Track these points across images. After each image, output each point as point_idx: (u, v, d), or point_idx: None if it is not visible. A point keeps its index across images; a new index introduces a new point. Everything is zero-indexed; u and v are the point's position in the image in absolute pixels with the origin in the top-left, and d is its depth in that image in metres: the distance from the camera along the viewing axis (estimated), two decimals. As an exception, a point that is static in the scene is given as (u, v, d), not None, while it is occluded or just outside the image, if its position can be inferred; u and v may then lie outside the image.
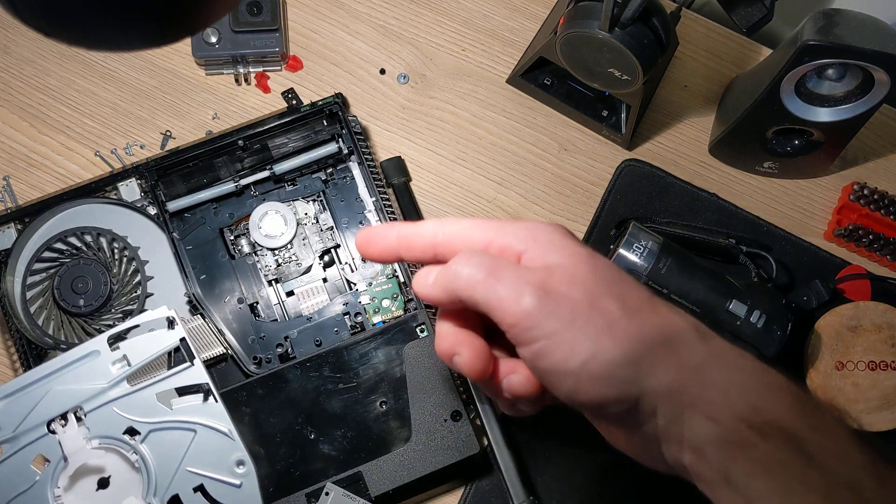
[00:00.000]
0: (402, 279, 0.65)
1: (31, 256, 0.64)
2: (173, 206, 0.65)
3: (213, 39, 0.70)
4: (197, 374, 0.47)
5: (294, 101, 0.70)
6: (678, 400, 0.38)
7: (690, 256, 0.64)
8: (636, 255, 0.63)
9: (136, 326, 0.48)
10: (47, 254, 0.64)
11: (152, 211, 0.65)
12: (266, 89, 0.72)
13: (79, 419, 0.45)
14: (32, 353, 0.62)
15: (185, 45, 0.72)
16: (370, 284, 0.66)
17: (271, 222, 0.66)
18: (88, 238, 0.65)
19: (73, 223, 0.65)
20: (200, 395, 0.46)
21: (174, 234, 0.65)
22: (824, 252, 0.71)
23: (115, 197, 0.65)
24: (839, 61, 0.59)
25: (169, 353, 0.48)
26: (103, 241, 0.65)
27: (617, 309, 0.37)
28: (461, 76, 0.74)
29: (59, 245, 0.64)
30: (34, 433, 0.44)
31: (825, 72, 0.63)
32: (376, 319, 0.64)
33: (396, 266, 0.66)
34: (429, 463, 0.60)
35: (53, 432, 0.44)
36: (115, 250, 0.65)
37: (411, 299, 0.65)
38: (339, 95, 0.68)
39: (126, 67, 0.73)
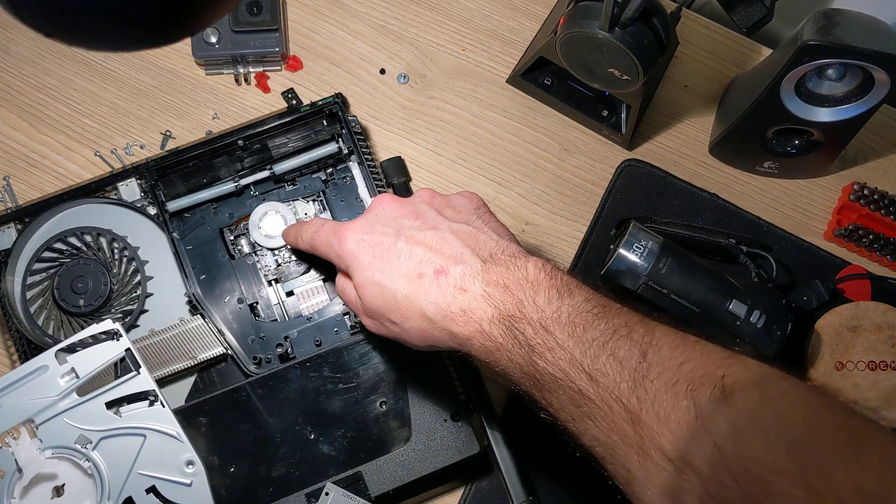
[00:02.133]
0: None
1: (31, 256, 0.64)
2: (173, 206, 0.65)
3: (213, 39, 0.70)
4: (143, 381, 0.49)
5: (294, 101, 0.70)
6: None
7: (690, 256, 0.64)
8: (636, 254, 0.63)
9: (84, 339, 0.51)
10: (47, 254, 0.64)
11: (152, 211, 0.65)
12: (266, 89, 0.72)
13: (31, 431, 0.47)
14: (32, 353, 0.62)
15: (185, 45, 0.72)
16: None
17: (271, 222, 0.66)
18: (88, 238, 0.65)
19: (73, 223, 0.65)
20: (147, 402, 0.49)
21: (174, 234, 0.65)
22: (824, 252, 0.71)
23: (115, 197, 0.65)
24: (839, 61, 0.59)
25: (115, 364, 0.50)
26: (103, 241, 0.65)
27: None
28: (461, 76, 0.74)
29: (59, 245, 0.64)
30: None
31: (825, 72, 0.63)
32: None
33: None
34: (429, 463, 0.60)
35: (7, 445, 0.45)
36: (115, 250, 0.65)
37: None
38: (339, 95, 0.68)
39: (126, 67, 0.73)
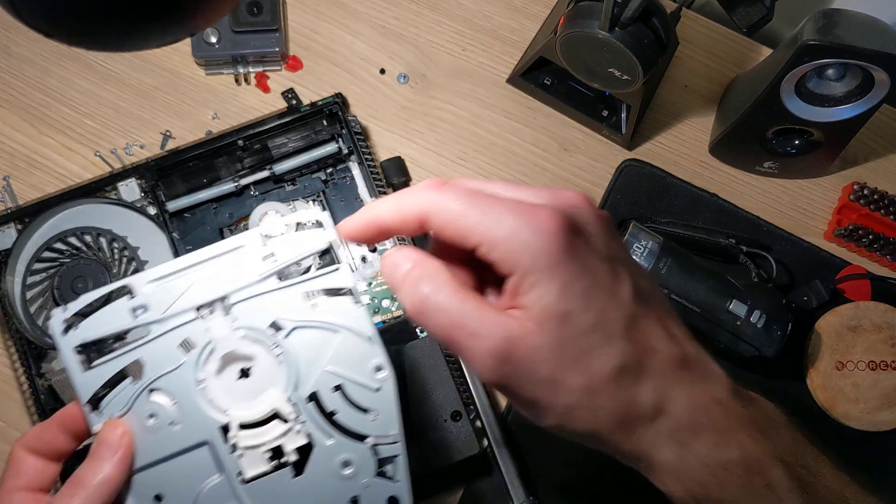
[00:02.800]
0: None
1: (31, 256, 0.64)
2: (173, 206, 0.65)
3: (213, 39, 0.70)
4: (344, 277, 0.46)
5: (294, 101, 0.70)
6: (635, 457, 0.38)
7: (690, 256, 0.64)
8: (636, 255, 0.63)
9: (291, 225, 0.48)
10: (47, 254, 0.64)
11: (152, 211, 0.65)
12: (266, 89, 0.72)
13: (226, 308, 0.44)
14: (32, 353, 0.62)
15: (185, 45, 0.72)
16: (370, 284, 0.66)
17: (271, 222, 0.66)
18: (88, 238, 0.65)
19: (73, 223, 0.65)
20: (346, 298, 0.45)
21: (174, 234, 0.65)
22: (824, 252, 0.71)
23: (114, 197, 0.65)
24: (839, 61, 0.59)
25: (317, 255, 0.47)
26: (103, 241, 0.65)
27: (580, 390, 0.36)
28: (461, 76, 0.74)
29: (59, 245, 0.64)
30: (182, 317, 0.43)
31: (825, 72, 0.63)
32: (376, 319, 0.64)
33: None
34: (429, 463, 0.60)
35: (201, 318, 0.43)
36: (115, 250, 0.65)
37: (411, 299, 0.65)
38: (339, 95, 0.68)
39: (126, 67, 0.73)
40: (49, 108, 0.71)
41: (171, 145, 0.70)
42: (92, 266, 0.63)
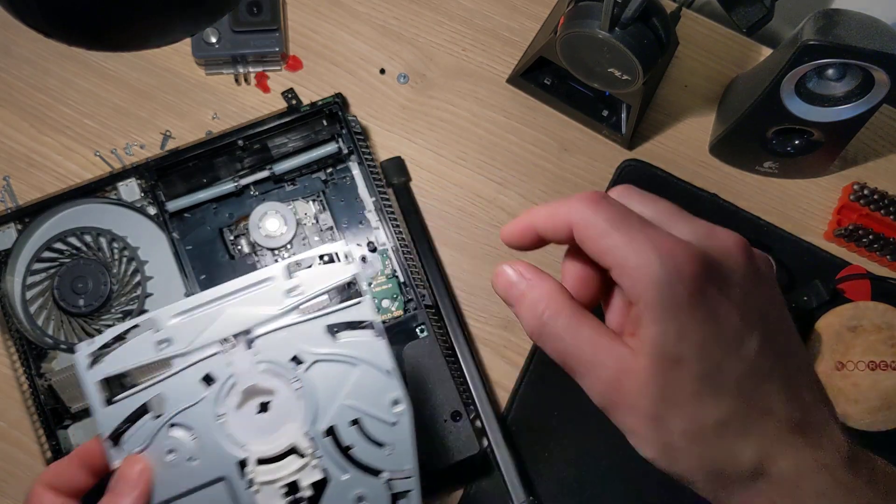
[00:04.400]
0: (401, 279, 0.65)
1: (31, 256, 0.64)
2: (173, 206, 0.65)
3: (213, 39, 0.70)
4: (366, 310, 0.46)
5: (294, 101, 0.70)
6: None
7: (690, 256, 0.64)
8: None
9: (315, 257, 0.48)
10: (47, 254, 0.64)
11: (152, 211, 0.65)
12: (266, 89, 0.72)
13: (248, 342, 0.45)
14: (32, 353, 0.62)
15: (185, 45, 0.72)
16: (370, 284, 0.66)
17: (271, 222, 0.66)
18: (88, 238, 0.65)
19: (73, 223, 0.65)
20: (367, 332, 0.46)
21: (174, 234, 0.65)
22: (824, 252, 0.71)
23: (114, 197, 0.65)
24: (839, 61, 0.59)
25: (341, 287, 0.48)
26: (103, 241, 0.65)
27: (679, 433, 0.36)
28: (461, 76, 0.74)
29: (59, 245, 0.64)
30: (205, 351, 0.44)
31: (825, 72, 0.63)
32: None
33: (396, 266, 0.66)
34: (428, 463, 0.60)
35: (223, 352, 0.44)
36: (115, 250, 0.65)
37: (411, 300, 0.65)
38: (338, 95, 0.69)
39: (126, 67, 0.73)
40: (49, 108, 0.71)
41: (171, 145, 0.70)
42: (92, 266, 0.63)
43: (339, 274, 0.47)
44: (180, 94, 0.72)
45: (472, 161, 0.72)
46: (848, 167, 0.73)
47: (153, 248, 0.65)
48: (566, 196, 0.38)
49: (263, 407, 0.44)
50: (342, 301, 0.46)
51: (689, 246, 0.35)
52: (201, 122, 0.72)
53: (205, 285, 0.64)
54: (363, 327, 0.46)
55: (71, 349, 0.61)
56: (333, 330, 0.46)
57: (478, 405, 0.63)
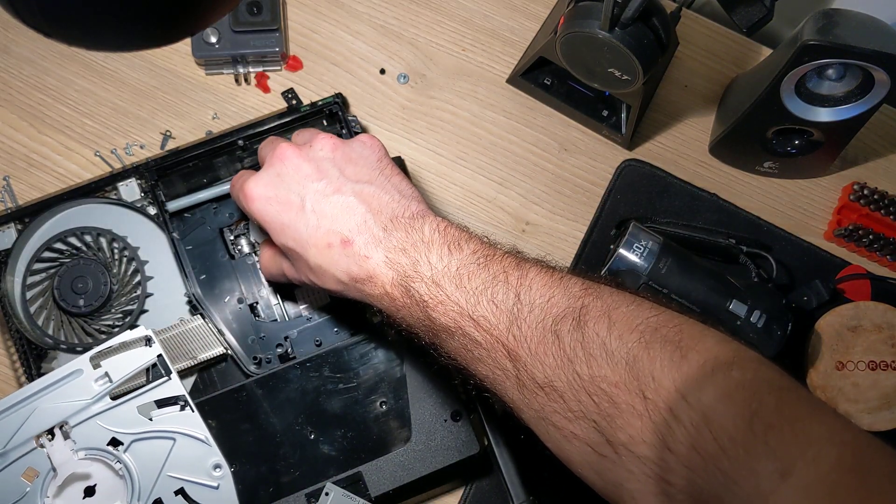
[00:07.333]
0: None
1: (31, 256, 0.64)
2: (173, 206, 0.65)
3: (213, 39, 0.70)
4: (174, 387, 0.51)
5: (294, 101, 0.70)
6: None
7: (691, 256, 0.64)
8: (636, 255, 0.63)
9: (118, 345, 0.54)
10: (47, 254, 0.64)
11: (152, 211, 0.65)
12: (266, 89, 0.72)
13: (65, 433, 0.49)
14: (32, 353, 0.62)
15: (185, 45, 0.72)
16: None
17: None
18: (88, 238, 0.65)
19: (73, 223, 0.65)
20: (178, 406, 0.51)
21: (174, 234, 0.65)
22: (824, 252, 0.71)
23: (114, 197, 0.65)
24: (839, 61, 0.59)
25: (147, 368, 0.53)
26: (103, 241, 0.65)
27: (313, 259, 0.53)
28: (461, 76, 0.74)
29: (59, 245, 0.64)
30: (23, 448, 0.48)
31: (825, 72, 0.63)
32: (376, 319, 0.64)
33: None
34: (429, 463, 0.60)
35: (42, 446, 0.47)
36: (115, 250, 0.65)
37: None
38: (339, 95, 0.68)
39: (126, 67, 0.73)
40: (49, 108, 0.71)
41: (170, 145, 0.70)
42: (92, 266, 0.63)
43: (144, 357, 0.52)
44: (180, 94, 0.72)
45: (472, 161, 0.72)
46: (848, 167, 0.73)
47: (153, 248, 0.65)
48: None
49: (90, 491, 0.47)
50: (151, 381, 0.51)
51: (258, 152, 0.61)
52: (201, 122, 0.72)
53: (205, 285, 0.64)
54: (174, 403, 0.50)
55: (71, 349, 0.61)
56: (146, 409, 0.50)
57: (478, 405, 0.63)
